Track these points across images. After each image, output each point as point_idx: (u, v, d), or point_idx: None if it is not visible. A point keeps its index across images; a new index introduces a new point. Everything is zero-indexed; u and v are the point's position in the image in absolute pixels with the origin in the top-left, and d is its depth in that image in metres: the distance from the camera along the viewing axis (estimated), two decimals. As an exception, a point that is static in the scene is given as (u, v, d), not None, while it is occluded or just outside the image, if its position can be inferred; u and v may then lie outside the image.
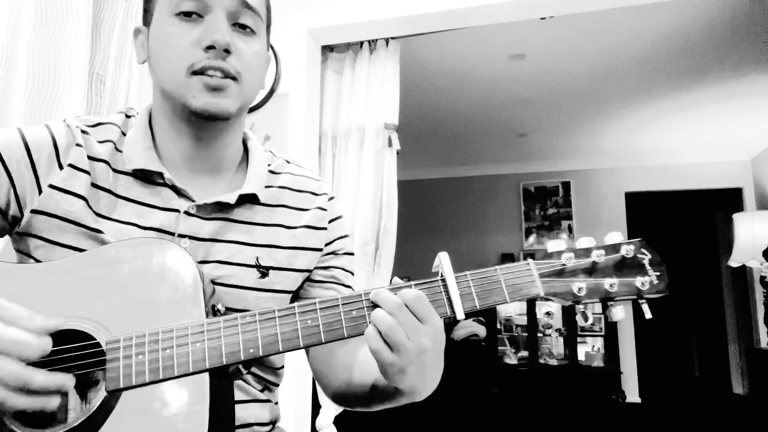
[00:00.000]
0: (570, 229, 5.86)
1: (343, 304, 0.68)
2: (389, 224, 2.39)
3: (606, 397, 5.13)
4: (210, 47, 0.73)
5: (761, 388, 4.46)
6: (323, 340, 0.66)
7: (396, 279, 0.76)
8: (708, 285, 6.59)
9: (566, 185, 5.92)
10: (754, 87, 3.95)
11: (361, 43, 2.53)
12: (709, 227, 6.55)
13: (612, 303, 0.72)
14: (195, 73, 0.74)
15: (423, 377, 0.67)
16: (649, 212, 6.55)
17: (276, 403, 0.88)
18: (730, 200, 5.55)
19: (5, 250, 0.87)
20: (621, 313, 0.72)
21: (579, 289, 0.71)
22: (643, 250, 0.73)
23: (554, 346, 5.52)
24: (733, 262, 4.42)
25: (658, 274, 0.72)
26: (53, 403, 0.60)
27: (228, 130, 0.82)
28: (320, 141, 2.54)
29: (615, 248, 0.73)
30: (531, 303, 5.62)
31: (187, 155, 0.81)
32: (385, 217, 2.39)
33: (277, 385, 0.88)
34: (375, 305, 0.67)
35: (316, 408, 2.33)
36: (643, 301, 0.72)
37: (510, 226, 6.06)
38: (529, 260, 0.72)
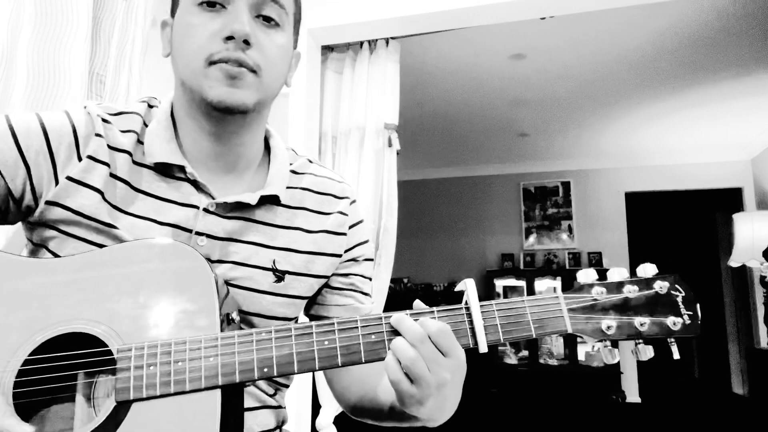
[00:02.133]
0: (570, 229, 5.86)
1: (362, 327, 0.65)
2: (389, 224, 2.39)
3: (606, 397, 5.13)
4: (229, 38, 0.71)
5: (761, 388, 4.46)
6: (340, 364, 0.64)
7: (417, 302, 0.74)
8: (708, 285, 6.59)
9: (566, 185, 5.92)
10: (754, 87, 3.96)
11: (361, 43, 2.53)
12: (709, 227, 6.56)
13: (640, 341, 0.68)
14: (212, 63, 0.71)
15: (442, 409, 0.66)
16: (649, 212, 6.56)
17: (284, 407, 0.87)
18: (730, 200, 5.55)
19: (12, 240, 0.85)
20: (650, 352, 0.68)
21: (608, 327, 0.68)
22: (678, 287, 0.69)
23: (554, 346, 5.52)
24: (733, 262, 4.42)
25: (690, 313, 0.68)
26: None
27: (248, 126, 0.79)
28: (320, 141, 2.54)
29: (648, 283, 0.70)
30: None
31: (207, 151, 0.78)
32: (385, 217, 2.39)
33: (287, 386, 0.87)
34: (395, 331, 0.64)
35: (316, 408, 2.32)
36: (672, 341, 0.68)
37: (510, 226, 6.06)
38: (559, 293, 0.69)
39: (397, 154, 2.45)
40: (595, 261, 5.67)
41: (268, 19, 0.75)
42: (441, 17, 2.31)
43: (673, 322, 0.68)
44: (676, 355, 0.68)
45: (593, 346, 5.35)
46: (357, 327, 0.65)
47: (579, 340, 5.44)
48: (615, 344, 0.70)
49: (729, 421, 4.97)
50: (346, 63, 2.56)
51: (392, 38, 2.49)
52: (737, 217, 4.49)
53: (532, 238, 5.97)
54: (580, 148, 5.51)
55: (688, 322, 0.68)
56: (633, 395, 5.37)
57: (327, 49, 2.59)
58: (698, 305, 0.69)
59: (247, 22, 0.72)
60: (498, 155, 5.82)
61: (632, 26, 3.13)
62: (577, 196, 5.88)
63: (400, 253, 2.55)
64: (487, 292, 5.81)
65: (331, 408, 2.28)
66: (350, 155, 2.47)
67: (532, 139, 5.27)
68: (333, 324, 0.65)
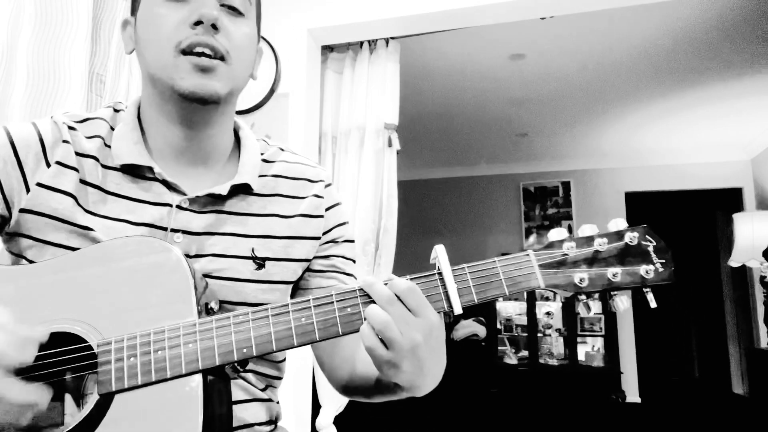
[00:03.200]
0: (570, 229, 5.86)
1: (337, 301, 0.66)
2: (389, 224, 2.39)
3: (606, 397, 5.13)
4: (198, 23, 0.72)
5: (761, 388, 4.46)
6: (317, 339, 0.65)
7: (392, 276, 0.75)
8: (708, 285, 6.59)
9: (566, 185, 5.92)
10: (754, 87, 3.95)
11: (361, 43, 2.53)
12: (709, 227, 6.56)
13: (615, 293, 0.69)
14: (184, 52, 0.72)
15: (420, 373, 0.66)
16: (649, 212, 6.55)
17: (277, 402, 0.87)
18: (730, 200, 5.55)
19: None
20: (626, 302, 0.69)
21: (581, 279, 0.68)
22: (648, 237, 0.70)
23: (554, 346, 5.52)
24: (733, 262, 4.42)
25: (663, 261, 0.69)
26: (26, 417, 0.59)
27: (218, 117, 0.80)
28: (320, 141, 2.54)
29: (618, 235, 0.70)
30: (531, 302, 5.62)
31: (176, 146, 0.79)
32: (385, 217, 2.39)
33: (279, 378, 0.87)
34: (370, 300, 0.65)
35: (316, 408, 2.33)
36: (648, 290, 0.69)
37: (510, 226, 6.06)
38: (529, 251, 0.69)
39: (397, 154, 2.45)
40: (595, 261, 5.67)
41: (232, 9, 0.76)
42: (441, 17, 2.31)
43: (645, 270, 0.68)
44: (653, 304, 0.69)
45: (593, 346, 5.35)
46: (333, 302, 0.66)
47: (579, 340, 5.45)
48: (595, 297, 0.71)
49: (729, 421, 4.97)
50: (346, 63, 2.56)
51: (392, 38, 2.49)
52: (737, 217, 4.49)
53: (532, 238, 5.97)
54: (580, 148, 5.51)
55: (660, 269, 0.69)
56: (633, 395, 5.37)
57: (327, 49, 2.59)
58: (670, 253, 0.69)
59: (214, 6, 0.73)
60: (498, 155, 5.82)
61: (632, 26, 3.13)
62: (577, 196, 5.88)
63: (400, 253, 2.55)
64: (487, 292, 5.80)
65: (331, 408, 2.28)
66: (350, 155, 2.47)
67: (532, 139, 5.27)
68: (309, 301, 0.66)
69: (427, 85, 3.95)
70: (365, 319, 0.64)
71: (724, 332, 6.13)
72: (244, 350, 0.64)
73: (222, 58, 0.74)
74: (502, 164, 6.09)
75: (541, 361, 5.45)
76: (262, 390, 0.83)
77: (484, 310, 5.59)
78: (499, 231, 6.08)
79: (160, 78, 0.74)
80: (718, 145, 5.33)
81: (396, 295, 0.64)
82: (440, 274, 0.68)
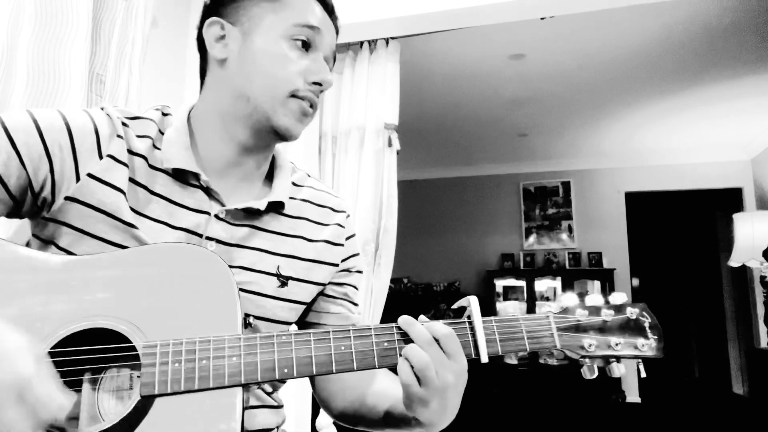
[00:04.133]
0: (570, 229, 5.87)
1: (375, 335, 0.70)
2: (389, 224, 2.39)
3: (606, 397, 5.13)
4: (317, 83, 0.80)
5: (761, 388, 4.46)
6: (355, 368, 0.69)
7: (422, 318, 0.80)
8: (708, 285, 6.59)
9: (566, 185, 5.92)
10: (754, 87, 3.96)
11: (361, 43, 2.53)
12: (709, 227, 6.56)
13: (613, 359, 0.78)
14: (293, 95, 0.78)
15: (443, 412, 0.70)
16: (649, 212, 6.56)
17: (282, 406, 0.89)
18: (730, 200, 5.55)
19: (13, 239, 0.85)
20: (621, 369, 0.79)
21: (589, 345, 0.77)
22: (644, 314, 0.80)
23: (554, 346, 5.52)
24: (733, 262, 4.42)
25: (656, 337, 0.79)
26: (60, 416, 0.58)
27: (274, 145, 0.86)
28: (320, 141, 2.54)
29: (621, 309, 0.80)
30: (531, 303, 5.63)
31: (228, 161, 0.82)
32: (385, 217, 2.39)
33: (283, 381, 0.88)
34: (405, 337, 0.70)
35: (316, 408, 2.32)
36: (640, 360, 0.79)
37: (510, 226, 6.07)
38: (549, 314, 0.79)
39: (397, 154, 2.45)
40: (595, 261, 5.67)
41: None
42: (441, 17, 2.31)
43: (642, 343, 0.78)
44: (643, 374, 0.79)
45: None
46: (371, 335, 0.70)
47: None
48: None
49: (729, 421, 4.97)
50: (346, 63, 2.56)
51: (392, 38, 2.49)
52: (737, 217, 4.49)
53: (532, 238, 5.97)
54: (580, 148, 5.51)
55: (654, 344, 0.79)
56: (633, 395, 5.37)
57: (327, 49, 2.59)
58: (661, 330, 0.80)
59: (329, 71, 0.82)
60: (498, 155, 5.82)
61: (632, 26, 3.13)
62: (577, 196, 5.88)
63: (400, 253, 2.55)
64: (487, 292, 5.81)
65: (331, 408, 2.28)
66: (350, 155, 2.47)
67: (532, 139, 5.27)
68: (349, 330, 0.70)
69: (427, 85, 3.95)
70: (402, 355, 0.69)
71: (724, 332, 6.13)
72: (285, 370, 0.66)
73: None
74: (502, 164, 6.09)
75: (541, 361, 5.45)
76: (270, 394, 0.85)
77: (484, 311, 5.58)
78: (499, 231, 6.08)
79: (262, 108, 0.78)
80: (718, 145, 5.33)
81: (435, 338, 0.69)
82: (471, 323, 0.74)
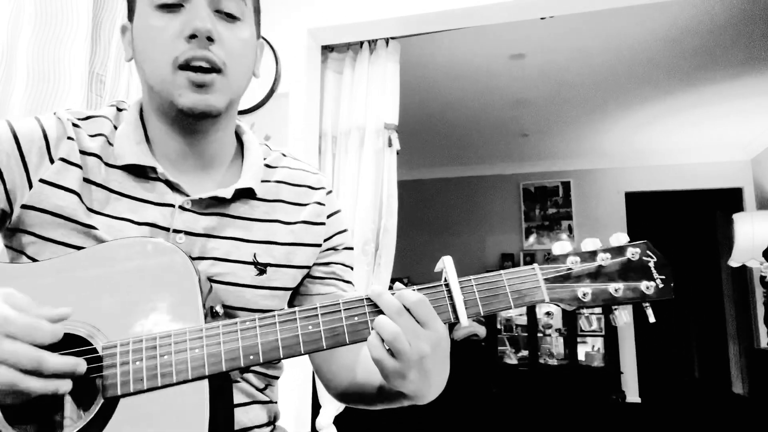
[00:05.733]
0: (570, 229, 5.86)
1: (344, 309, 0.66)
2: (389, 224, 2.39)
3: (606, 397, 5.13)
4: (192, 36, 0.71)
5: (761, 388, 4.46)
6: (324, 347, 0.65)
7: (398, 285, 0.75)
8: (708, 285, 6.59)
9: (566, 185, 5.92)
10: (753, 87, 3.95)
11: (361, 43, 2.53)
12: (709, 227, 6.55)
13: (616, 307, 0.71)
14: (181, 67, 0.71)
15: (425, 382, 0.66)
16: (649, 212, 6.55)
17: (275, 402, 0.87)
18: (730, 200, 5.55)
19: None
20: (626, 317, 0.71)
21: (584, 294, 0.69)
22: (649, 253, 0.71)
23: (554, 346, 5.51)
24: (733, 262, 4.42)
25: (663, 277, 0.70)
26: (65, 387, 0.58)
27: (219, 125, 0.80)
28: (320, 141, 2.54)
29: (620, 251, 0.71)
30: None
31: (179, 151, 0.79)
32: (385, 217, 2.39)
33: (277, 377, 0.87)
34: (377, 309, 0.66)
35: (316, 408, 2.32)
36: (647, 305, 0.71)
37: (510, 226, 6.06)
38: (535, 265, 0.70)
39: (397, 154, 2.45)
40: (595, 261, 5.67)
41: (228, 14, 0.75)
42: (441, 17, 2.31)
43: (646, 286, 0.70)
44: (652, 318, 0.70)
45: (593, 346, 5.35)
46: (340, 310, 0.66)
47: (579, 340, 5.46)
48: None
49: (729, 421, 4.97)
50: (346, 63, 2.56)
51: (392, 38, 2.49)
52: (737, 217, 4.49)
53: (532, 238, 5.97)
54: (580, 148, 5.51)
55: (661, 285, 0.70)
56: (633, 395, 5.37)
57: (327, 49, 2.59)
58: (671, 269, 0.71)
59: (208, 18, 0.72)
60: (498, 155, 5.82)
61: (633, 26, 3.13)
62: (577, 196, 5.88)
63: (400, 253, 2.55)
64: (487, 292, 5.80)
65: (331, 408, 2.28)
66: (350, 155, 2.47)
67: (533, 139, 5.27)
68: (316, 308, 0.66)
69: (427, 85, 3.94)
70: (373, 329, 0.65)
71: (724, 332, 6.13)
72: (251, 357, 0.64)
73: (219, 71, 0.73)
74: (502, 164, 6.09)
75: (541, 361, 5.45)
76: (262, 390, 0.83)
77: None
78: (499, 231, 6.08)
79: (160, 92, 0.74)
80: (718, 145, 5.33)
81: (405, 307, 0.64)
82: (447, 285, 0.68)
